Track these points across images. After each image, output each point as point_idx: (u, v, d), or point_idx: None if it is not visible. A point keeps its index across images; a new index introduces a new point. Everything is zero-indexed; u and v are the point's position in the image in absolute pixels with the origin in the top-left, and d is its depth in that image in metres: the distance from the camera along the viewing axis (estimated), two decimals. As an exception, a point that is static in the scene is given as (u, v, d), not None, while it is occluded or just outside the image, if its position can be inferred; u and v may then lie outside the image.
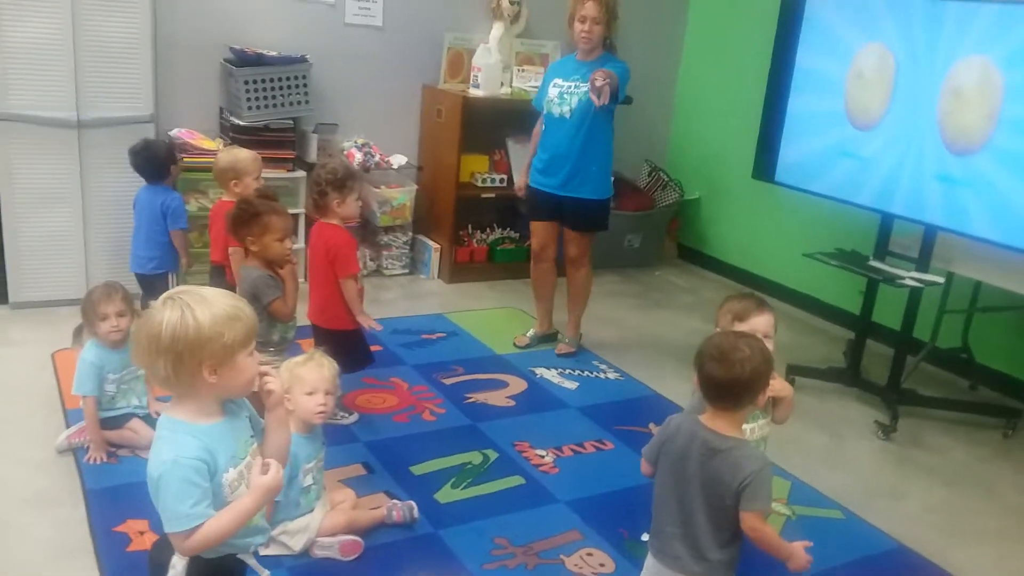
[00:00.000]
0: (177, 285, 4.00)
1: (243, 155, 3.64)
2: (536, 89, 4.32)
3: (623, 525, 2.85)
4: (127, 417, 3.04)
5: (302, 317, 3.25)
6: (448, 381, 3.85)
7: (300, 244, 4.61)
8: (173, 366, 1.59)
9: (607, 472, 3.21)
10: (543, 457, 3.28)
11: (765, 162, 4.42)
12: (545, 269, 4.29)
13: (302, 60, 4.66)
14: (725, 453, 1.96)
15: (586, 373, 4.10)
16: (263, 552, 2.36)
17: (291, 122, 4.68)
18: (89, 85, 4.03)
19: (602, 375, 4.11)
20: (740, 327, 2.38)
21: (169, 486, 1.59)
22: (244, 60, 4.53)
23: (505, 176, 5.32)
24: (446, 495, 2.96)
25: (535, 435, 3.43)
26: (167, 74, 4.51)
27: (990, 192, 3.43)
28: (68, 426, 3.12)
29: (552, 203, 4.09)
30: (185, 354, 1.58)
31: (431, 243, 5.27)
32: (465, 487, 3.02)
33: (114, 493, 2.79)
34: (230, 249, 3.24)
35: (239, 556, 1.79)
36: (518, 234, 5.49)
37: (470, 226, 5.44)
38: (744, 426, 2.26)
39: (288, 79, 4.58)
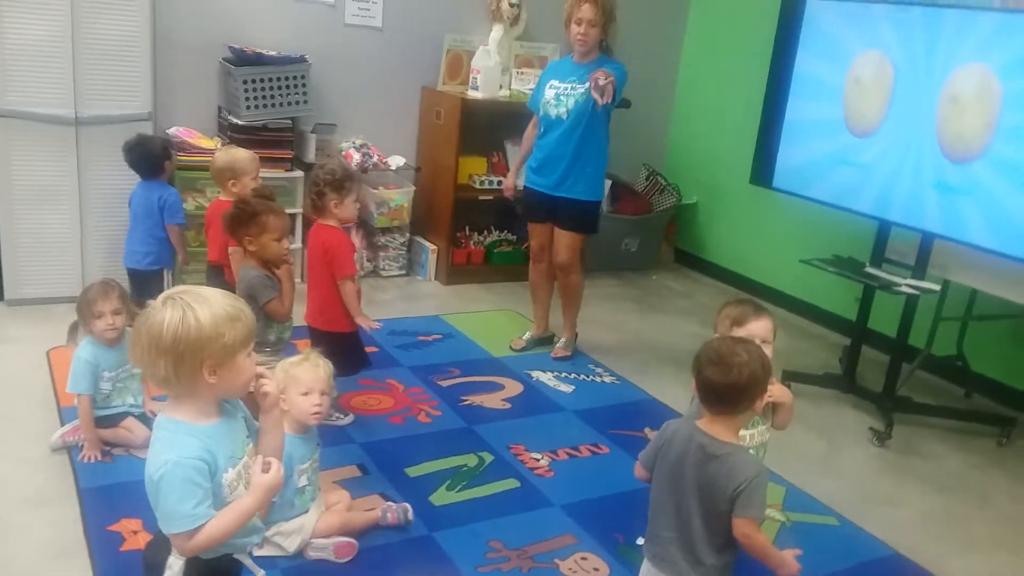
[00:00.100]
0: (173, 282, 4.00)
1: (241, 155, 3.63)
2: (534, 91, 4.33)
3: (618, 529, 2.85)
4: (122, 416, 3.03)
5: (299, 318, 3.25)
6: (444, 383, 3.85)
7: (297, 244, 4.62)
8: (174, 366, 1.59)
9: (602, 476, 3.21)
10: (538, 460, 3.27)
11: (763, 167, 4.42)
12: (543, 270, 4.29)
13: (301, 60, 4.65)
14: (721, 458, 1.96)
15: (582, 376, 4.10)
16: (257, 553, 2.36)
17: (289, 122, 4.68)
18: (88, 82, 4.02)
19: (598, 379, 4.11)
20: (738, 332, 2.38)
21: (171, 487, 1.59)
22: (243, 59, 4.53)
23: (503, 178, 5.30)
24: (441, 497, 2.95)
25: (530, 438, 3.43)
26: (166, 72, 4.50)
27: (987, 200, 3.44)
28: (63, 424, 3.11)
29: (546, 204, 4.09)
30: (187, 354, 1.58)
31: (428, 245, 5.27)
32: (460, 490, 3.01)
33: (108, 492, 2.78)
34: (230, 249, 3.23)
35: (235, 556, 1.79)
36: (515, 236, 5.49)
37: (467, 228, 5.44)
38: (743, 432, 2.26)
39: (287, 79, 4.58)
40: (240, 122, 4.50)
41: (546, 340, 4.41)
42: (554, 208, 4.08)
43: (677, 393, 3.86)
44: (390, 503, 2.80)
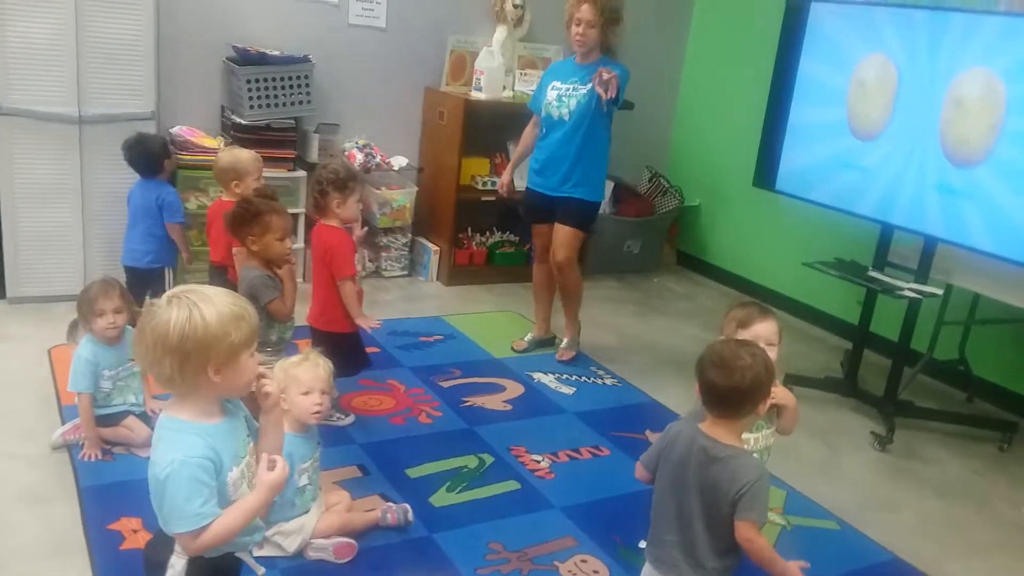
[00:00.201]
0: (175, 281, 4.00)
1: (244, 155, 3.63)
2: (537, 92, 4.33)
3: (618, 532, 2.85)
4: (123, 415, 3.03)
5: (300, 318, 3.25)
6: (445, 384, 3.84)
7: (300, 244, 4.62)
8: (179, 365, 1.58)
9: (603, 479, 3.20)
10: (539, 462, 3.27)
11: (766, 170, 4.42)
12: (547, 271, 4.28)
13: (305, 60, 4.65)
14: (723, 461, 1.96)
15: (583, 378, 4.10)
16: (257, 553, 2.35)
17: (293, 122, 4.68)
18: (91, 81, 4.02)
19: (599, 381, 4.10)
20: (743, 333, 2.38)
21: (178, 485, 1.59)
22: (247, 59, 4.53)
23: (503, 178, 5.33)
24: (441, 499, 2.95)
25: (531, 440, 3.43)
26: (169, 71, 4.51)
27: (991, 204, 3.43)
28: (64, 422, 3.11)
29: (547, 205, 4.09)
30: (193, 353, 1.58)
31: (430, 245, 5.27)
32: (460, 491, 3.01)
33: (108, 491, 2.78)
34: (234, 249, 3.23)
35: (237, 554, 1.79)
36: (517, 237, 5.49)
37: (469, 229, 5.44)
38: (746, 435, 2.26)
39: (290, 79, 4.58)
40: (243, 122, 4.50)
41: (547, 342, 4.41)
42: (553, 208, 4.08)
43: (678, 396, 3.86)
44: (390, 504, 2.80)
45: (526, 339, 4.37)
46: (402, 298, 4.97)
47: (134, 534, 2.55)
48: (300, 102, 4.64)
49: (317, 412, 2.55)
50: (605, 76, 3.67)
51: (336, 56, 4.93)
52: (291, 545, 2.52)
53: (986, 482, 3.57)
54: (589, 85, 3.81)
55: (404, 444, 3.30)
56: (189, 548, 1.64)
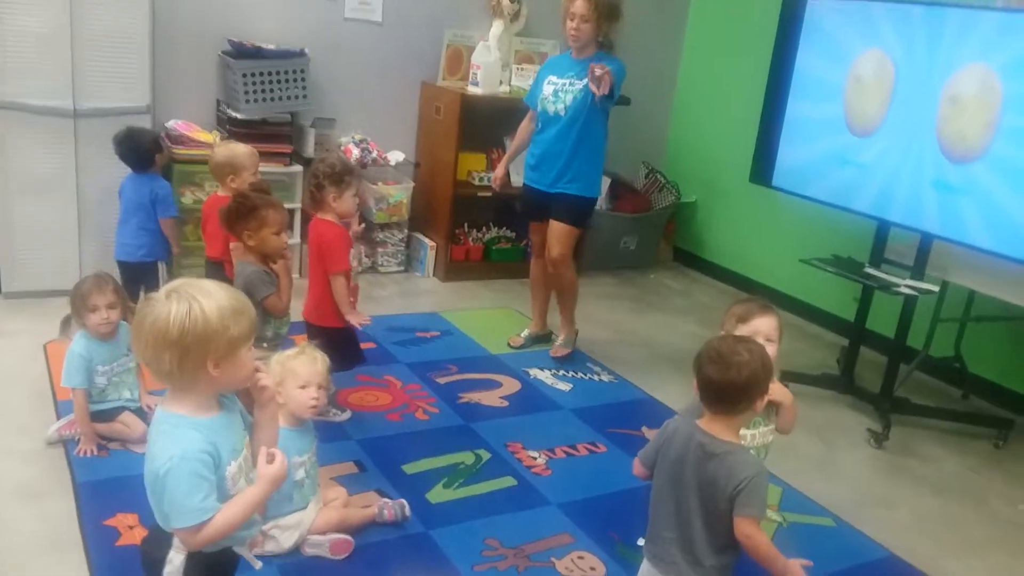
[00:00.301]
0: (169, 276, 3.98)
1: (240, 150, 3.61)
2: (534, 87, 4.32)
3: (614, 529, 2.85)
4: (118, 410, 3.02)
5: (297, 313, 3.24)
6: (442, 380, 3.84)
7: (296, 239, 4.60)
8: (179, 359, 1.58)
9: (599, 475, 3.20)
10: (535, 459, 3.27)
11: (763, 166, 4.42)
12: (544, 267, 4.26)
13: (301, 54, 4.64)
14: (720, 457, 1.96)
15: (580, 375, 4.10)
16: (255, 551, 2.34)
17: (288, 116, 4.66)
18: (87, 74, 4.00)
19: (596, 377, 4.10)
20: (742, 329, 2.37)
21: (178, 481, 1.58)
22: (242, 53, 4.51)
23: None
24: (438, 495, 2.95)
25: (528, 436, 3.42)
26: (165, 65, 4.48)
27: (987, 201, 3.43)
28: (59, 418, 3.10)
29: (543, 201, 4.08)
30: (192, 348, 1.57)
31: (427, 241, 5.26)
32: (457, 487, 3.01)
33: (104, 486, 2.77)
34: (232, 245, 3.21)
35: (235, 549, 1.78)
36: (514, 233, 5.48)
37: (466, 224, 5.43)
38: (744, 431, 2.25)
39: (286, 73, 4.56)
40: (239, 116, 4.48)
41: (544, 338, 4.40)
42: (549, 204, 4.07)
43: (675, 392, 3.86)
44: (387, 500, 2.79)
45: (523, 335, 4.36)
46: (398, 294, 4.96)
47: (130, 530, 2.54)
48: (296, 96, 4.63)
49: (314, 406, 2.55)
50: (598, 72, 3.66)
51: (332, 50, 4.92)
52: (288, 540, 2.51)
53: (982, 479, 3.58)
54: (585, 80, 3.80)
55: (401, 440, 3.29)
56: (190, 543, 1.64)
